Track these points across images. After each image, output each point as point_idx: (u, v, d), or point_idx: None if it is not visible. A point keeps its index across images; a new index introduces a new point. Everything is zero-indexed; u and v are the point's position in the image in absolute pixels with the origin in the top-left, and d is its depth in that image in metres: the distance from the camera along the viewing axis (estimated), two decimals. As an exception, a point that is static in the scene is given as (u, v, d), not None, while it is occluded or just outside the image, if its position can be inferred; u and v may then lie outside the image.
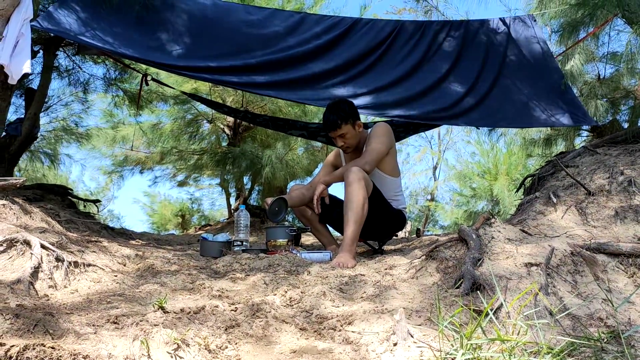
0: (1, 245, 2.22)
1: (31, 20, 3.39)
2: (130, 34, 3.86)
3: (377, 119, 5.26)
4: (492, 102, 4.37)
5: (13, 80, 3.35)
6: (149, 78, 5.15)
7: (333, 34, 4.46)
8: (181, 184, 11.27)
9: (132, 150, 9.09)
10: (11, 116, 5.34)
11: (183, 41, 4.04)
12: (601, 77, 5.26)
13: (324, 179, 3.42)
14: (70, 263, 2.29)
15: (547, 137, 6.02)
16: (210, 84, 7.64)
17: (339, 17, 4.67)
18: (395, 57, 4.50)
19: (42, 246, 2.26)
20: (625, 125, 4.94)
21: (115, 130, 9.12)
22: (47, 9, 3.87)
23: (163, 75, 6.77)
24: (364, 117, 5.51)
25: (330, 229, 3.81)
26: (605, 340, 1.66)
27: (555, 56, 4.78)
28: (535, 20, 4.76)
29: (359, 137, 3.52)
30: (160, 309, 1.81)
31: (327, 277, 2.46)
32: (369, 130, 3.55)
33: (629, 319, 1.93)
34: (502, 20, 4.75)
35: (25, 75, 3.67)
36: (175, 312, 1.81)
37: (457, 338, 1.49)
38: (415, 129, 5.36)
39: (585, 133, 5.84)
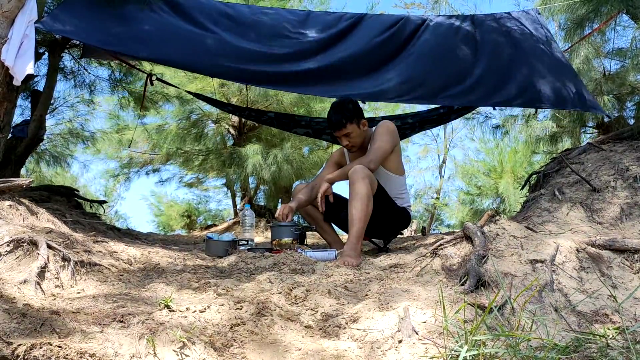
0: (8, 245, 2.24)
1: (36, 22, 3.41)
2: (135, 33, 3.87)
3: (381, 115, 5.23)
4: (494, 79, 4.18)
5: (17, 81, 3.36)
6: (153, 78, 5.16)
7: (336, 29, 4.42)
8: (187, 184, 11.30)
9: (128, 147, 9.08)
10: (17, 118, 5.37)
11: (187, 39, 4.03)
12: (607, 73, 5.24)
13: (328, 177, 3.40)
14: (76, 263, 2.30)
15: (552, 134, 6.00)
16: (215, 84, 7.67)
17: (342, 13, 4.64)
18: (396, 46, 4.38)
19: (49, 246, 2.27)
20: (631, 122, 4.91)
21: (121, 132, 9.14)
22: (52, 11, 3.89)
23: (168, 75, 6.80)
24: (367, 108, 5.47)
25: (336, 227, 3.81)
26: (611, 336, 1.66)
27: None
28: (539, 14, 4.71)
29: (364, 136, 3.52)
30: (166, 308, 1.82)
31: (332, 275, 2.46)
32: (373, 128, 3.55)
33: (635, 314, 1.92)
34: (508, 12, 4.70)
35: (31, 77, 3.68)
36: (180, 311, 1.81)
37: (462, 334, 1.49)
38: (420, 126, 5.34)
39: (590, 130, 5.82)
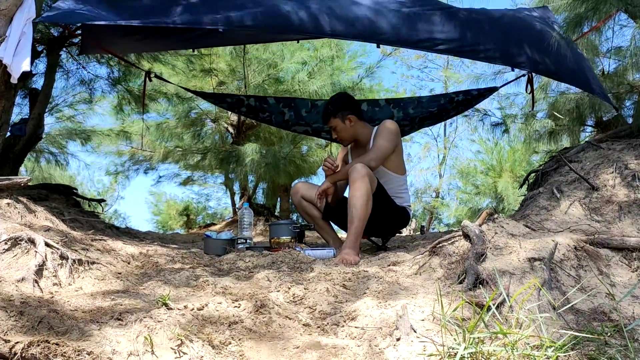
0: (6, 243, 2.23)
1: (34, 19, 3.40)
2: (135, 12, 3.79)
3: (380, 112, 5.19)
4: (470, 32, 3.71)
5: (14, 79, 3.35)
6: (152, 75, 5.15)
7: None
8: (185, 183, 11.28)
9: (133, 148, 9.08)
10: (16, 117, 5.36)
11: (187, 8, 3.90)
12: (605, 72, 5.23)
13: (330, 177, 3.43)
14: (74, 261, 2.30)
15: (551, 132, 6.00)
16: (213, 83, 7.67)
17: None
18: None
19: (47, 244, 2.27)
20: (630, 120, 4.91)
21: (120, 130, 9.12)
22: (51, 6, 3.88)
23: (166, 74, 6.79)
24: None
25: (334, 226, 3.82)
26: (609, 334, 1.66)
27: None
28: (546, 6, 4.63)
29: (353, 132, 3.58)
30: (164, 306, 1.82)
31: (330, 273, 2.46)
32: (376, 128, 3.55)
33: (633, 313, 1.92)
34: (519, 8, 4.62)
35: (30, 75, 3.67)
36: (178, 309, 1.81)
37: (460, 332, 1.49)
38: (419, 124, 5.33)
39: (589, 129, 5.81)
